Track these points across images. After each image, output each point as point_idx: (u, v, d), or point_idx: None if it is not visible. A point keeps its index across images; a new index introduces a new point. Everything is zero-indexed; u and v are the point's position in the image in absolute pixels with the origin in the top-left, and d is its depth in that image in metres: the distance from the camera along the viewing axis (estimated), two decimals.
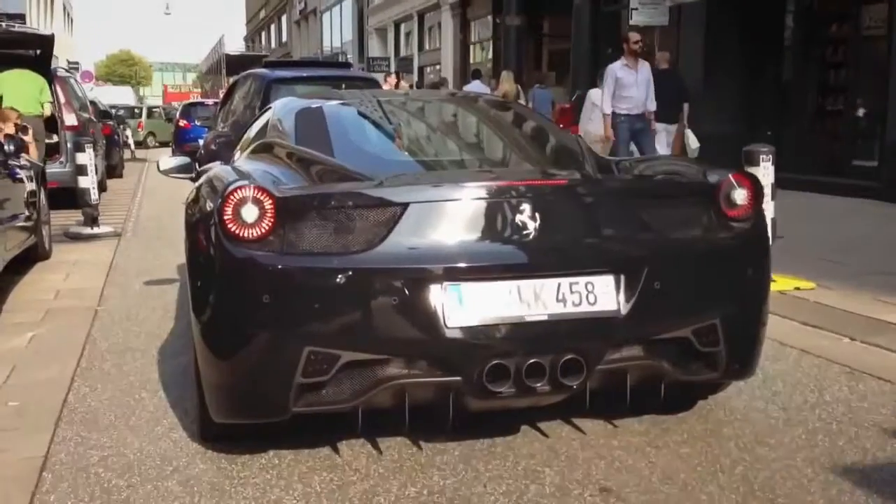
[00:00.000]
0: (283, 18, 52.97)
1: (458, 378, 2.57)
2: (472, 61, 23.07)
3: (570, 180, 3.00)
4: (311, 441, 2.93)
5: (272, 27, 58.50)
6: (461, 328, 2.55)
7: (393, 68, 29.43)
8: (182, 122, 20.24)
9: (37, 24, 48.31)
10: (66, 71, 12.83)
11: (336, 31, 38.67)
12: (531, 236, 2.65)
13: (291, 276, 2.55)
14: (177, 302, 5.16)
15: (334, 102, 4.02)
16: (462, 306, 2.56)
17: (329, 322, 2.56)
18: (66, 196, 8.76)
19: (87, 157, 8.01)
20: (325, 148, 3.28)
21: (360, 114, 4.02)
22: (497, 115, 4.25)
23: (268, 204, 2.56)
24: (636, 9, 12.92)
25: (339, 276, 2.52)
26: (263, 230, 2.55)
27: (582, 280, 2.65)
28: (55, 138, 10.05)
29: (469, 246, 2.63)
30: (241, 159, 3.67)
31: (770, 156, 5.01)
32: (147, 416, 3.25)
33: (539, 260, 2.66)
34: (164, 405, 3.38)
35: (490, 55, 22.23)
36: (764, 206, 3.10)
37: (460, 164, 3.56)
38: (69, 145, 9.77)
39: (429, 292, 2.54)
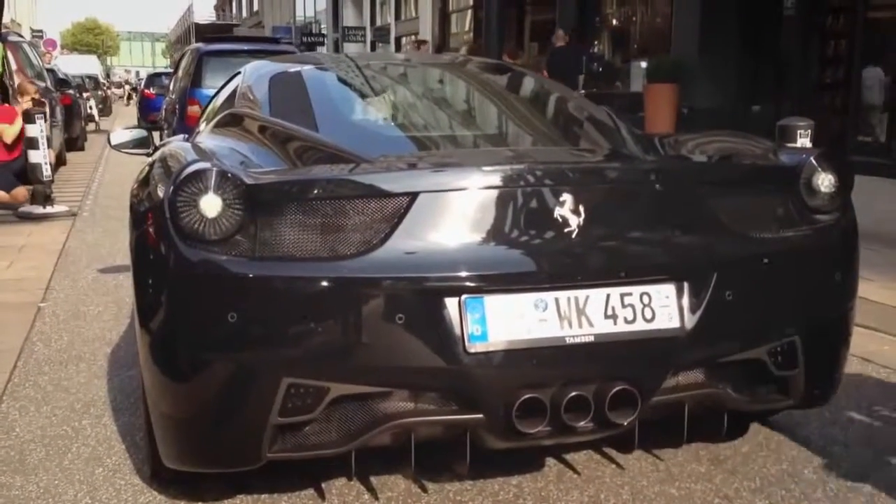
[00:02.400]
0: None
1: (480, 416, 2.02)
2: (451, 31, 22.30)
3: (615, 164, 2.36)
4: (291, 482, 2.34)
5: None
6: (484, 353, 1.99)
7: (369, 38, 28.62)
8: (146, 92, 20.47)
9: None
10: (20, 36, 11.94)
11: (309, 0, 37.56)
12: (573, 235, 2.07)
13: (266, 288, 1.95)
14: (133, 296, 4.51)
15: (316, 66, 3.47)
16: (485, 325, 1.99)
17: (314, 346, 1.97)
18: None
19: (37, 130, 7.25)
20: (307, 121, 2.64)
21: (349, 80, 3.36)
22: (513, 83, 3.52)
23: (235, 192, 1.95)
24: None
25: (328, 287, 1.95)
26: (229, 227, 1.95)
27: (636, 290, 2.09)
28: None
29: (493, 249, 2.05)
30: (203, 133, 3.03)
31: (809, 131, 4.43)
32: (87, 454, 2.61)
33: (581, 266, 2.08)
34: (108, 437, 2.74)
35: (470, 24, 21.49)
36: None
37: (476, 141, 2.84)
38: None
39: (443, 308, 1.98)
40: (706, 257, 2.17)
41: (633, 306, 2.08)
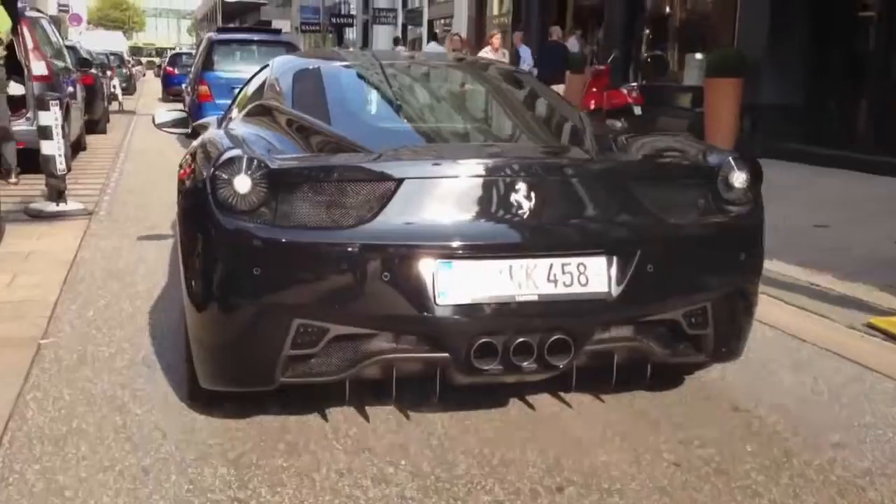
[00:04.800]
0: None
1: (446, 355, 2.55)
2: (489, 14, 21.39)
3: (567, 159, 2.93)
4: (299, 408, 2.91)
5: None
6: (451, 306, 2.52)
7: (400, 20, 27.76)
8: (168, 69, 25.60)
9: None
10: (38, 11, 11.22)
11: None
12: (525, 216, 2.60)
13: (282, 249, 2.49)
14: (158, 330, 3.77)
15: (334, 64, 4.08)
16: (453, 284, 2.52)
17: (319, 296, 2.52)
18: (36, 159, 7.23)
19: (51, 118, 6.53)
20: (322, 114, 3.23)
21: (360, 78, 3.98)
22: (502, 85, 4.14)
23: (261, 174, 2.50)
24: None
25: (331, 249, 2.48)
26: (256, 201, 2.50)
27: (574, 261, 2.61)
28: (21, 90, 8.52)
29: (462, 224, 2.58)
30: (236, 121, 3.53)
31: None
32: None
33: (532, 240, 2.62)
34: None
35: (508, 7, 20.58)
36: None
37: (460, 137, 3.43)
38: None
39: (420, 269, 2.51)
40: (632, 237, 2.66)
41: (571, 273, 2.59)
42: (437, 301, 2.48)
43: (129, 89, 28.66)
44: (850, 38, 10.66)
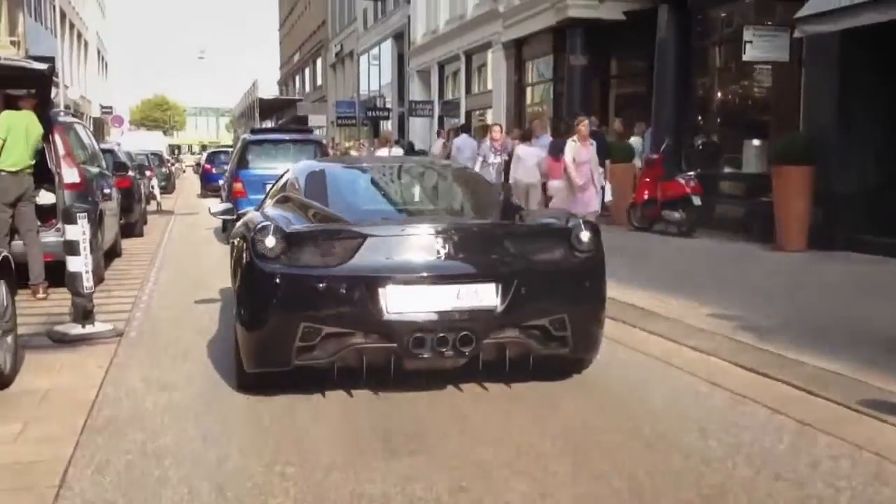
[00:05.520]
0: (318, 62, 51.70)
1: (394, 344, 4.12)
2: (527, 103, 21.09)
3: (473, 224, 4.81)
4: (306, 389, 4.48)
5: (306, 71, 57.33)
6: (395, 314, 4.11)
7: (437, 112, 27.63)
8: (206, 167, 27.29)
9: (70, 68, 47.35)
10: (73, 115, 10.97)
11: (374, 74, 37.04)
12: (443, 258, 4.25)
13: (294, 280, 4.18)
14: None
15: (335, 165, 6.57)
16: (396, 301, 4.12)
17: (316, 308, 4.16)
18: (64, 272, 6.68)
19: (78, 232, 5.99)
20: (322, 200, 5.01)
21: (350, 175, 5.92)
22: (443, 174, 6.23)
23: (281, 236, 4.21)
24: (750, 42, 10.85)
25: (323, 280, 4.16)
26: (278, 252, 4.19)
27: (474, 286, 4.22)
28: (52, 198, 8.09)
29: (402, 263, 4.22)
30: (268, 206, 5.32)
31: None
32: None
33: (447, 273, 4.25)
34: None
35: (544, 96, 20.27)
36: None
37: (406, 212, 5.42)
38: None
39: (376, 291, 4.11)
40: (512, 271, 4.28)
41: (471, 294, 4.19)
42: (388, 311, 4.10)
43: (167, 188, 28.74)
44: None
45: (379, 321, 4.06)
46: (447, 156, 19.23)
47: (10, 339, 4.84)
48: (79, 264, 6.00)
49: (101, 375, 4.95)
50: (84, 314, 6.08)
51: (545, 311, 4.26)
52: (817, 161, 9.88)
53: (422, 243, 4.23)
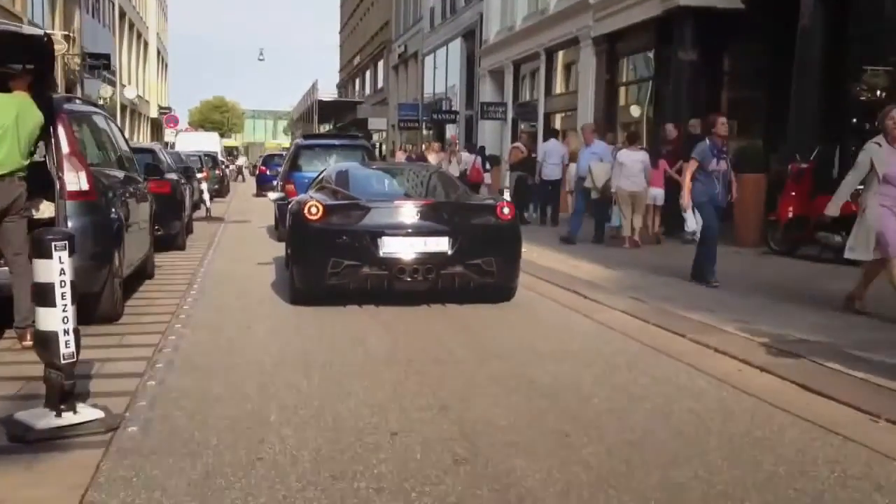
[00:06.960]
0: (380, 64, 49.82)
1: (387, 272, 7.06)
2: (620, 105, 18.70)
3: (438, 202, 7.87)
4: (334, 303, 7.24)
5: (367, 73, 55.55)
6: (388, 254, 7.08)
7: (510, 115, 25.39)
8: (262, 168, 30.27)
9: (128, 68, 46.21)
10: (91, 105, 8.98)
11: (440, 75, 34.84)
12: (417, 220, 7.30)
13: (328, 233, 7.19)
14: None
15: (356, 165, 10.27)
16: (386, 245, 7.10)
17: (340, 249, 7.10)
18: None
19: (52, 271, 3.88)
20: (346, 187, 8.11)
21: (363, 172, 9.37)
22: (423, 173, 9.98)
23: (321, 208, 7.26)
24: None
25: (344, 234, 7.16)
26: (319, 217, 7.24)
27: (434, 238, 7.20)
28: (52, 210, 6.08)
29: (391, 223, 7.25)
30: (311, 191, 8.53)
31: None
32: None
33: (419, 230, 7.24)
34: None
35: (643, 98, 17.87)
36: None
37: (396, 194, 8.33)
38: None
39: (377, 240, 7.09)
40: (458, 229, 7.33)
41: (433, 242, 7.23)
42: (383, 252, 7.11)
43: (221, 192, 27.04)
44: None
45: (378, 258, 7.08)
46: (520, 162, 17.03)
47: None
48: (54, 320, 3.90)
49: None
50: (61, 395, 3.97)
51: (479, 254, 7.26)
52: None
53: (404, 212, 7.37)
